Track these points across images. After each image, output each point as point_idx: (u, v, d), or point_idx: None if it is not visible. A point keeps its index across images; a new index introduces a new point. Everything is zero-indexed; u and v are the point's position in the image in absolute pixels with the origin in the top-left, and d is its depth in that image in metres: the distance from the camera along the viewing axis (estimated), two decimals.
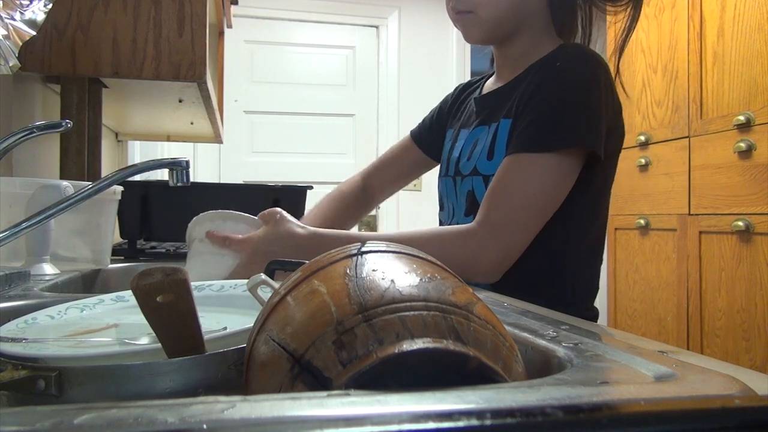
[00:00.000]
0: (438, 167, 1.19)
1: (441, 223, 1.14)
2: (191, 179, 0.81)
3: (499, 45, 1.05)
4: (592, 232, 1.00)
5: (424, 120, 1.24)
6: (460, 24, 1.01)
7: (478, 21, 0.99)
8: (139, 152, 2.45)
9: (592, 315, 1.01)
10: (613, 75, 0.97)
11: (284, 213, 0.91)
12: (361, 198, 1.23)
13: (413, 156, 1.21)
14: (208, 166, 3.45)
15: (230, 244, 0.88)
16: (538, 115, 0.91)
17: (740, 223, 1.92)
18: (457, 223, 1.03)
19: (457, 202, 1.05)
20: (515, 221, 0.89)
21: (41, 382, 0.37)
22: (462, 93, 1.19)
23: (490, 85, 1.11)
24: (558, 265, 0.97)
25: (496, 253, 0.88)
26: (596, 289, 1.03)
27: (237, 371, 0.40)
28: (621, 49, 1.02)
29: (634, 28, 1.00)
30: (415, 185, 3.45)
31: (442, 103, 1.23)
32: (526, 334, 0.47)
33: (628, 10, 0.99)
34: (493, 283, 0.97)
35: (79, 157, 1.24)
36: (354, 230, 1.36)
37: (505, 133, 0.96)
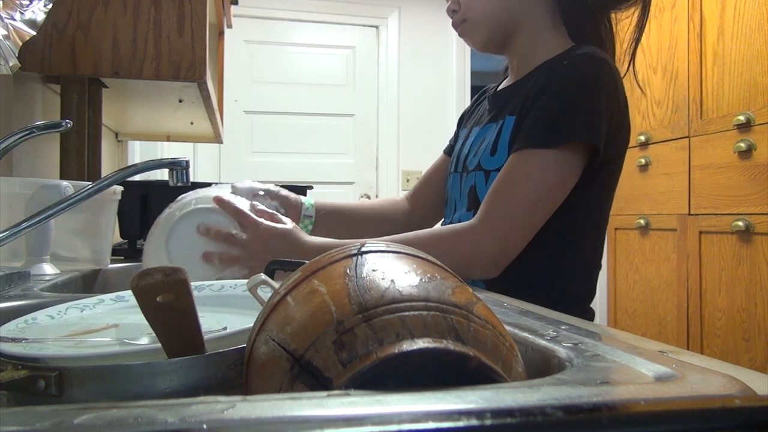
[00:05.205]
0: None
1: (444, 217, 1.15)
2: (191, 179, 0.81)
3: (505, 48, 1.06)
4: (593, 235, 1.00)
5: (452, 136, 1.24)
6: (463, 36, 1.06)
7: (473, 24, 1.02)
8: (139, 152, 2.45)
9: (588, 317, 1.01)
10: (623, 74, 0.98)
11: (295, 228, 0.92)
12: (405, 209, 1.21)
13: (447, 165, 1.20)
14: (208, 166, 3.45)
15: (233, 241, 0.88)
16: (542, 113, 0.92)
17: (740, 223, 1.92)
18: (459, 218, 1.04)
19: (460, 197, 1.06)
20: (514, 218, 0.89)
21: (41, 382, 0.37)
22: (479, 97, 1.21)
23: (503, 84, 1.12)
24: (556, 267, 0.97)
25: (492, 249, 0.89)
26: (593, 292, 1.03)
27: (237, 371, 0.40)
28: (633, 50, 1.03)
29: (644, 28, 1.01)
30: None
31: (462, 113, 1.25)
32: (526, 334, 0.47)
33: (636, 11, 1.00)
34: (492, 281, 0.97)
35: (79, 157, 1.24)
36: None
37: (508, 129, 0.97)
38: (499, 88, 1.12)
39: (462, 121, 1.22)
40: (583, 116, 0.91)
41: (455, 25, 1.05)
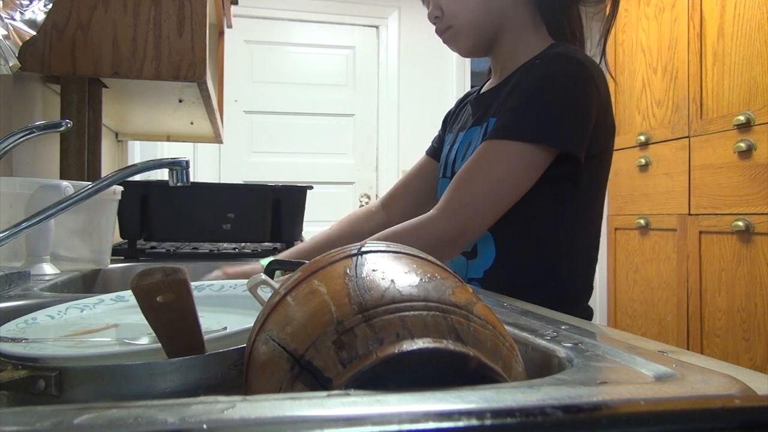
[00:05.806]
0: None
1: None
2: (191, 179, 0.81)
3: (489, 52, 1.07)
4: (586, 231, 1.00)
5: (434, 137, 1.24)
6: (448, 43, 1.05)
7: (458, 31, 1.01)
8: (139, 152, 2.45)
9: (586, 315, 1.01)
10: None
11: None
12: (380, 221, 1.18)
13: (430, 167, 1.19)
14: (208, 166, 3.45)
15: None
16: (515, 105, 0.93)
17: (740, 223, 1.92)
18: None
19: None
20: (476, 208, 0.90)
21: (41, 382, 0.37)
22: (462, 100, 1.21)
23: (486, 87, 1.12)
24: (553, 266, 0.97)
25: (452, 237, 0.90)
26: (591, 289, 1.03)
27: (237, 371, 0.40)
28: (603, 46, 1.03)
29: (613, 23, 1.01)
30: None
31: (446, 115, 1.24)
32: (526, 334, 0.47)
33: (607, 7, 1.01)
34: (490, 281, 0.97)
35: (79, 157, 1.24)
36: None
37: None
38: (482, 91, 1.12)
39: (446, 123, 1.21)
40: (562, 120, 0.90)
41: (439, 32, 1.03)
